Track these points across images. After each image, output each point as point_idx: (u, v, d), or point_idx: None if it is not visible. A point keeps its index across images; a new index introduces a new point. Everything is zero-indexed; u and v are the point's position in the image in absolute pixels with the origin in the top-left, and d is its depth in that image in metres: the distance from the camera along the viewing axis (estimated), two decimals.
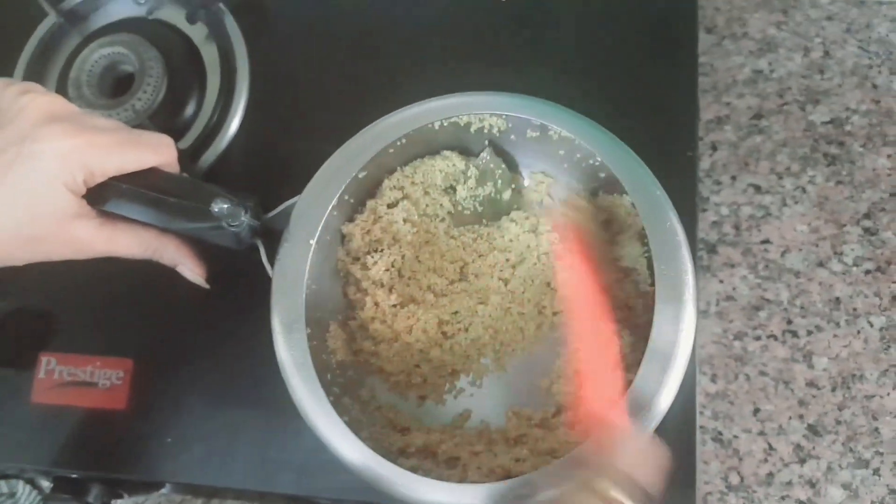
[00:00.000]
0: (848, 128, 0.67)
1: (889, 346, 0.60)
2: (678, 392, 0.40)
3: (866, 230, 0.64)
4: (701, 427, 0.60)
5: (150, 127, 0.54)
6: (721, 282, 0.64)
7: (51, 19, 0.60)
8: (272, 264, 0.44)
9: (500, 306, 0.47)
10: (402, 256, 0.47)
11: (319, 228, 0.45)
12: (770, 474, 0.58)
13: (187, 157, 0.55)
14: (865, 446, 0.58)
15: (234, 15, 0.59)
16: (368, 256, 0.47)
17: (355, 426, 0.41)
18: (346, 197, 0.46)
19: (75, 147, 0.39)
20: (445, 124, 0.46)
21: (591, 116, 0.46)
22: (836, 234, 0.64)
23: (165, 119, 0.55)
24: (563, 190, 0.49)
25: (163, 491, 0.59)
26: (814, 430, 0.59)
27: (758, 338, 0.62)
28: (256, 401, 0.49)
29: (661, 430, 0.39)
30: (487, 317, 0.47)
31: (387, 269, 0.46)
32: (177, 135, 0.55)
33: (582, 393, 0.42)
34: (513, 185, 0.49)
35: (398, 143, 0.46)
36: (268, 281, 0.44)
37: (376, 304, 0.46)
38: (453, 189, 0.49)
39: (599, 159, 0.45)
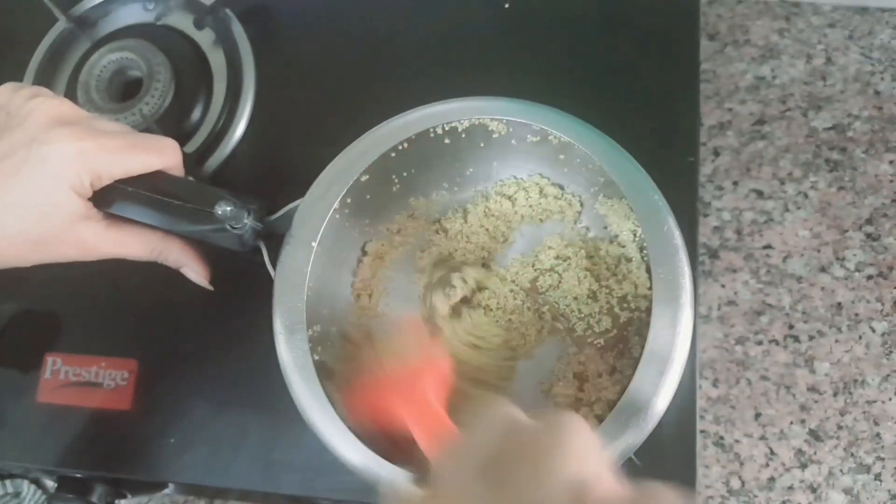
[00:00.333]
0: (850, 134, 0.67)
1: (891, 352, 0.60)
2: (678, 396, 0.40)
3: (868, 236, 0.64)
4: (702, 431, 0.60)
5: (156, 131, 0.55)
6: (723, 286, 0.64)
7: (61, 24, 0.61)
8: (274, 266, 0.45)
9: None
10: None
11: (321, 231, 0.45)
12: (771, 479, 0.58)
13: (193, 161, 0.55)
14: (867, 451, 0.58)
15: (240, 21, 0.59)
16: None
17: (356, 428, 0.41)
18: (348, 200, 0.47)
19: (82, 150, 0.40)
20: (447, 128, 0.47)
21: (592, 122, 0.46)
22: (838, 239, 0.64)
23: (172, 123, 0.56)
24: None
25: (166, 491, 0.59)
26: (815, 435, 0.59)
27: (759, 342, 0.62)
28: (260, 402, 0.50)
29: (660, 434, 0.39)
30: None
31: None
32: (183, 139, 0.56)
33: None
34: None
35: (400, 148, 0.47)
36: (270, 283, 0.45)
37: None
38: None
39: (598, 164, 0.45)
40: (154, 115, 0.55)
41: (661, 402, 0.39)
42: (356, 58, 0.59)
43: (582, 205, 0.49)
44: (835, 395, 0.60)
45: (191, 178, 0.47)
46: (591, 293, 0.47)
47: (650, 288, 0.42)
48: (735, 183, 0.66)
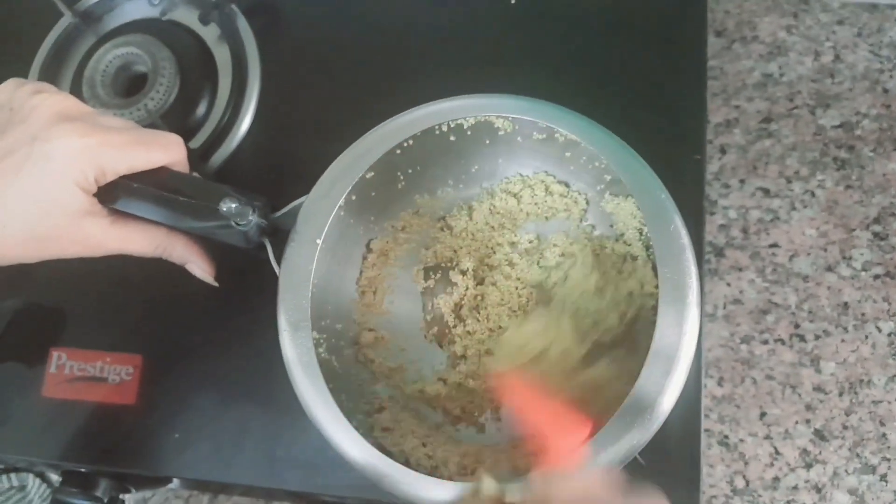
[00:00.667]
0: (858, 132, 0.66)
1: None
2: (683, 395, 0.40)
3: (876, 235, 0.63)
4: (707, 430, 0.60)
5: (161, 126, 0.55)
6: (728, 285, 0.63)
7: (66, 20, 0.61)
8: (279, 263, 0.45)
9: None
10: None
11: (326, 228, 0.45)
12: (776, 479, 0.58)
13: (197, 157, 0.55)
14: (872, 452, 0.58)
15: (246, 16, 0.59)
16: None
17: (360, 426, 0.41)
18: (353, 197, 0.47)
19: (87, 146, 0.40)
20: (452, 126, 0.47)
21: (599, 119, 0.46)
22: (845, 238, 0.64)
23: (177, 119, 0.56)
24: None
25: (170, 486, 0.59)
26: (820, 435, 0.59)
27: (765, 342, 0.62)
28: (264, 398, 0.50)
29: (665, 433, 0.39)
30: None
31: None
32: (188, 134, 0.56)
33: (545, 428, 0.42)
34: None
35: (405, 144, 0.47)
36: (275, 279, 0.45)
37: None
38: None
39: (605, 162, 0.45)
40: (159, 110, 0.55)
41: (667, 401, 0.39)
42: (362, 54, 0.58)
43: (588, 202, 0.49)
44: (840, 394, 0.60)
45: (195, 174, 0.47)
46: (597, 290, 0.47)
47: (656, 286, 0.41)
48: (742, 181, 0.66)
